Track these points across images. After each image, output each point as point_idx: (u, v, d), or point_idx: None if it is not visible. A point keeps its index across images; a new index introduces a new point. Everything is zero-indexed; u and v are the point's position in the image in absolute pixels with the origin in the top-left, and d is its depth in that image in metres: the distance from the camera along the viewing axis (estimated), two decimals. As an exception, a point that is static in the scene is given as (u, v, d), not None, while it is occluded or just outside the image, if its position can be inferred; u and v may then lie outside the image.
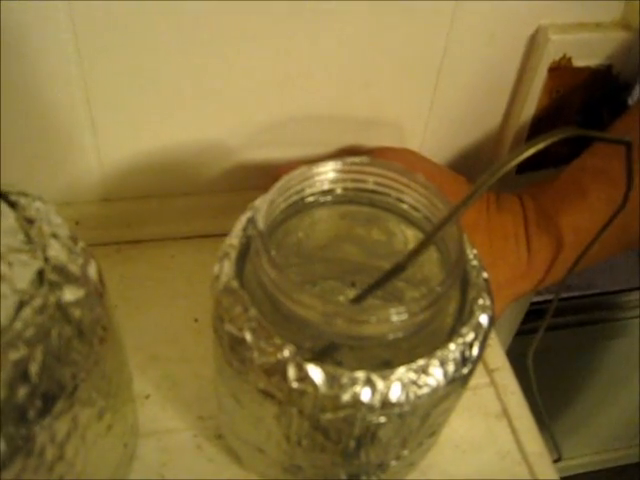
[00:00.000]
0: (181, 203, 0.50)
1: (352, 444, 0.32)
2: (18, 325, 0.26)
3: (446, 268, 0.32)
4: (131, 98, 0.44)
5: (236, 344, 0.31)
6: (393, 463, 0.34)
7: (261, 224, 0.30)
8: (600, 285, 0.95)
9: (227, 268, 0.32)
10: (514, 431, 0.43)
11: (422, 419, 0.32)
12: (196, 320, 0.47)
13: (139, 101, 0.45)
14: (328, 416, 0.30)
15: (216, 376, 0.36)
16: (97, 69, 0.42)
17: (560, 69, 0.47)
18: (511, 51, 0.47)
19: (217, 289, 0.32)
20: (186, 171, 0.48)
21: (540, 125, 0.50)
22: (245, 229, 0.33)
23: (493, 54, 0.46)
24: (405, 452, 0.34)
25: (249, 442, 0.36)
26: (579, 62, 0.47)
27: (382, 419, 0.30)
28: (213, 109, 0.46)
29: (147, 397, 0.42)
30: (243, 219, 0.34)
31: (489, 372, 0.46)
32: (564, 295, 0.94)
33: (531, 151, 0.30)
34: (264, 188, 0.32)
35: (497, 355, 0.47)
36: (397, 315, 0.28)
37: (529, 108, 0.49)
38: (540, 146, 0.30)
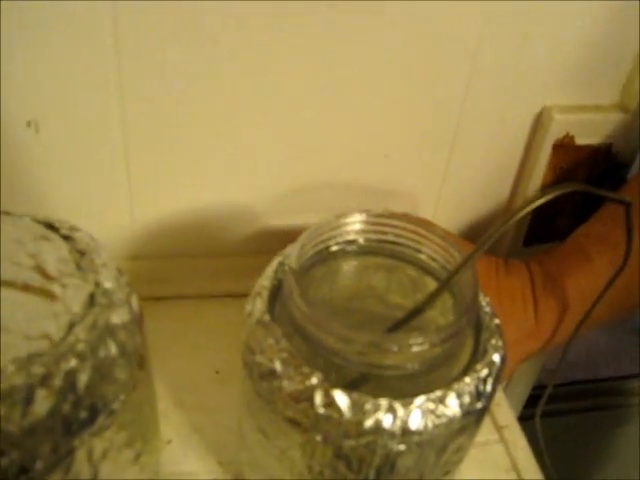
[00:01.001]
0: (206, 263, 0.53)
1: (372, 475, 0.34)
2: (71, 339, 0.29)
3: (461, 307, 0.35)
4: (166, 163, 0.48)
5: (266, 374, 0.33)
6: (410, 499, 0.36)
7: (294, 263, 0.34)
8: (603, 372, 0.97)
9: (259, 305, 0.35)
10: (524, 485, 0.45)
11: (438, 453, 0.34)
12: (217, 372, 0.49)
13: (173, 166, 0.49)
14: (351, 442, 0.32)
15: (242, 412, 0.38)
16: (138, 135, 0.46)
17: (563, 146, 0.51)
18: (518, 129, 0.51)
19: (250, 324, 0.35)
20: (212, 233, 0.52)
21: (545, 207, 0.53)
22: (276, 272, 0.37)
23: (502, 131, 0.51)
24: (421, 488, 0.36)
25: (272, 477, 0.37)
26: (581, 140, 0.51)
27: (401, 447, 0.32)
28: (239, 176, 0.50)
29: (169, 442, 0.44)
30: (274, 263, 0.37)
31: (498, 429, 0.48)
32: (568, 380, 0.96)
33: (541, 201, 0.33)
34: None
35: (506, 413, 0.49)
36: (418, 345, 0.31)
37: (535, 182, 0.53)
38: (549, 197, 0.34)
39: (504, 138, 0.52)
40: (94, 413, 0.30)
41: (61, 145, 0.46)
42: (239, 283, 0.53)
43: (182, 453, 0.44)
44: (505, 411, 0.49)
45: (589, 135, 0.51)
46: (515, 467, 0.46)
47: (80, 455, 0.31)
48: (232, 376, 0.49)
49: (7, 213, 0.35)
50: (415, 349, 0.32)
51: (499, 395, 0.50)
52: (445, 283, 0.34)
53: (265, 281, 0.36)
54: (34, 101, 0.44)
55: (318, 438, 0.33)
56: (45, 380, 0.28)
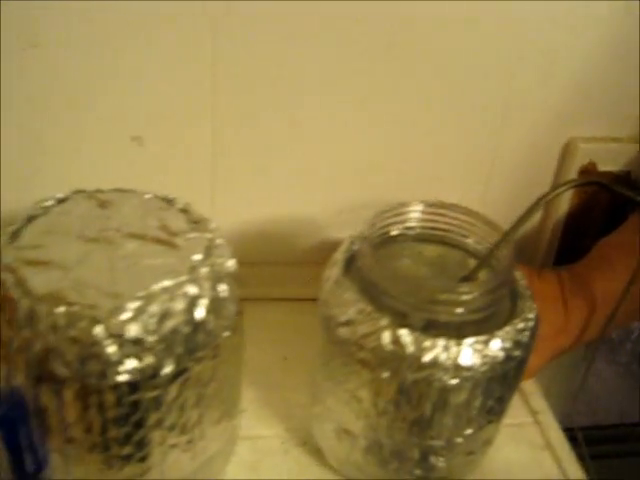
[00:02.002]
0: (277, 270, 0.62)
1: (428, 409, 0.41)
2: (194, 275, 0.38)
3: (500, 272, 0.43)
4: (247, 178, 0.58)
5: (342, 323, 0.42)
6: (459, 440, 0.43)
7: (367, 232, 0.42)
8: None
9: (336, 270, 0.44)
10: (557, 460, 0.52)
11: (484, 394, 0.42)
12: (285, 358, 0.57)
13: (251, 182, 0.58)
14: (412, 376, 0.40)
15: (317, 367, 0.46)
16: (225, 154, 0.56)
17: (587, 172, 0.60)
18: (548, 157, 0.60)
19: (328, 286, 0.43)
20: (282, 241, 0.61)
21: (573, 222, 0.62)
22: (348, 247, 0.45)
23: (534, 159, 0.60)
24: (468, 431, 0.43)
25: (339, 424, 0.45)
26: (603, 167, 0.60)
27: (454, 381, 0.40)
28: (308, 191, 0.59)
29: (244, 411, 0.52)
30: (346, 242, 0.46)
31: (533, 413, 0.55)
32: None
33: (567, 187, 0.42)
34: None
35: (539, 401, 0.56)
36: (467, 294, 0.40)
37: (563, 206, 0.62)
38: (573, 184, 0.42)
39: (536, 164, 0.61)
40: (207, 338, 0.39)
41: (159, 159, 0.55)
42: (305, 289, 0.62)
43: (255, 421, 0.52)
44: (539, 399, 0.56)
45: (610, 163, 0.60)
46: (549, 445, 0.53)
47: (193, 375, 0.39)
48: (297, 362, 0.57)
49: (133, 190, 0.45)
50: (465, 297, 0.40)
51: (533, 385, 0.58)
52: (492, 251, 0.42)
53: (339, 255, 0.45)
54: (138, 119, 0.54)
55: (385, 374, 0.41)
56: (173, 303, 0.37)
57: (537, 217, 0.64)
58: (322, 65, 0.54)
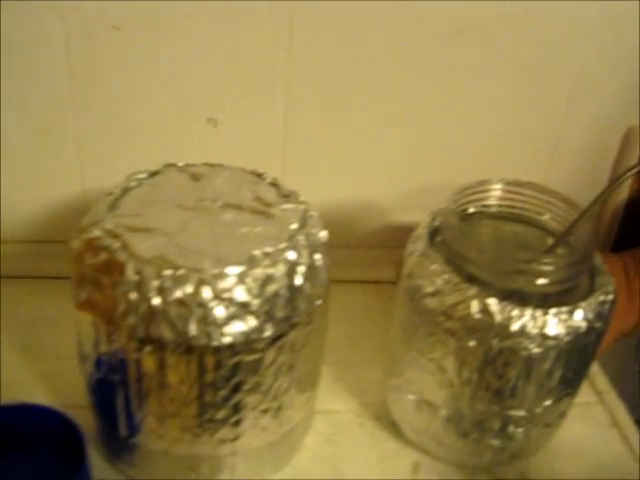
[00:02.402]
0: (339, 253, 0.63)
1: (512, 378, 0.43)
2: (293, 242, 0.40)
3: (580, 249, 0.44)
4: (316, 163, 0.59)
5: (429, 294, 0.43)
6: (538, 411, 0.45)
7: (452, 206, 0.44)
8: None
9: (420, 243, 0.45)
10: (624, 438, 0.53)
11: (565, 365, 0.43)
12: (352, 337, 0.59)
13: (320, 166, 0.60)
14: (499, 345, 0.41)
15: (396, 339, 0.47)
16: (294, 134, 0.58)
17: (648, 161, 0.61)
18: (610, 142, 0.62)
19: (412, 259, 0.45)
20: (348, 225, 0.63)
21: (633, 207, 0.64)
22: (429, 225, 0.47)
23: (596, 144, 0.62)
24: (547, 402, 0.45)
25: (420, 395, 0.46)
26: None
27: (539, 350, 0.41)
28: (372, 174, 0.61)
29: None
30: (427, 219, 0.47)
31: (598, 393, 0.56)
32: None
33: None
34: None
35: (604, 381, 0.57)
36: (550, 265, 0.41)
37: (623, 191, 0.63)
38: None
39: (597, 151, 0.62)
40: (304, 305, 0.40)
41: (231, 140, 0.57)
42: (367, 272, 0.64)
43: (329, 396, 0.53)
44: (603, 380, 0.58)
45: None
46: (616, 424, 0.54)
47: (289, 340, 0.40)
48: (364, 340, 0.59)
49: (221, 164, 0.46)
50: (548, 268, 0.41)
51: (597, 368, 0.59)
52: (572, 227, 0.44)
53: (422, 230, 0.47)
54: (214, 101, 0.56)
55: (472, 343, 0.42)
56: (274, 268, 0.39)
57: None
58: (393, 50, 0.55)
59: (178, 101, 0.56)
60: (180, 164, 0.46)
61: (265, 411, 0.42)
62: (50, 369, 0.54)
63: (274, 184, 0.45)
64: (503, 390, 0.43)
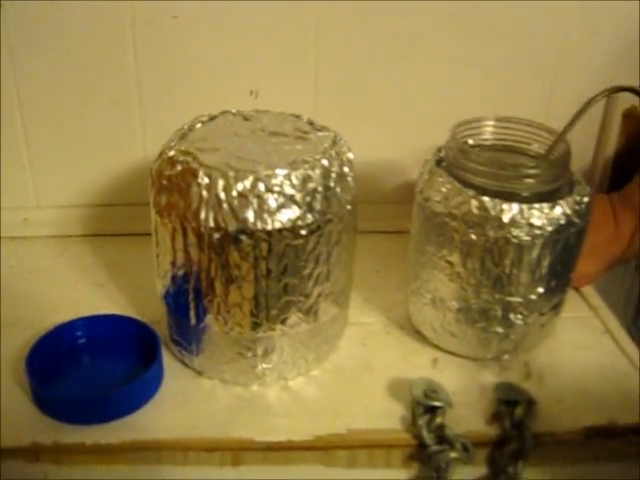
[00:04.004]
0: (367, 208, 0.77)
1: (507, 265, 0.55)
2: (326, 155, 0.53)
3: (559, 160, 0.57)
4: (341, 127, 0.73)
5: (438, 200, 0.56)
6: (533, 297, 0.57)
7: (453, 137, 0.57)
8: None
9: (428, 166, 0.58)
10: (616, 341, 0.64)
11: (551, 254, 0.55)
12: (378, 271, 0.72)
13: (347, 129, 0.74)
14: (494, 234, 0.54)
15: (415, 247, 0.60)
16: (327, 100, 0.72)
17: (630, 115, 0.74)
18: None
19: (423, 177, 0.58)
20: (369, 182, 0.76)
21: (621, 162, 0.76)
22: (435, 154, 0.60)
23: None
24: (540, 289, 0.57)
25: (433, 294, 0.59)
26: (643, 111, 0.74)
27: (527, 238, 0.54)
28: (394, 136, 0.74)
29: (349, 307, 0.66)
30: (434, 150, 0.61)
31: (593, 309, 0.68)
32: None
33: (606, 93, 0.56)
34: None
35: (598, 300, 0.69)
36: (535, 169, 0.54)
37: (611, 146, 0.76)
38: (611, 92, 0.56)
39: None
40: (336, 204, 0.53)
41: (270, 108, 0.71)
42: (389, 223, 0.77)
43: (360, 312, 0.66)
44: (597, 298, 0.69)
45: (648, 108, 0.75)
46: (609, 331, 0.66)
47: (325, 233, 0.53)
48: (389, 274, 0.71)
49: (268, 110, 0.60)
50: (533, 171, 0.54)
51: (592, 289, 0.71)
52: (553, 145, 0.57)
53: (430, 157, 0.60)
54: (254, 76, 0.71)
55: (472, 236, 0.55)
56: (312, 171, 0.52)
57: (589, 155, 0.79)
58: (414, 23, 0.70)
59: (225, 77, 0.70)
60: (234, 110, 0.60)
61: (307, 296, 0.55)
62: (121, 300, 0.67)
63: (310, 122, 0.59)
64: (501, 277, 0.56)
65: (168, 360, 0.59)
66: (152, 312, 0.61)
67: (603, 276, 0.71)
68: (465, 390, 0.58)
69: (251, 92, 0.71)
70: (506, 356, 0.61)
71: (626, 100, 0.74)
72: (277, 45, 0.70)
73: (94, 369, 0.59)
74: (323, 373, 0.59)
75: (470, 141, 0.61)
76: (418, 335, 0.63)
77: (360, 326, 0.64)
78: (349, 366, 0.60)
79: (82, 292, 0.68)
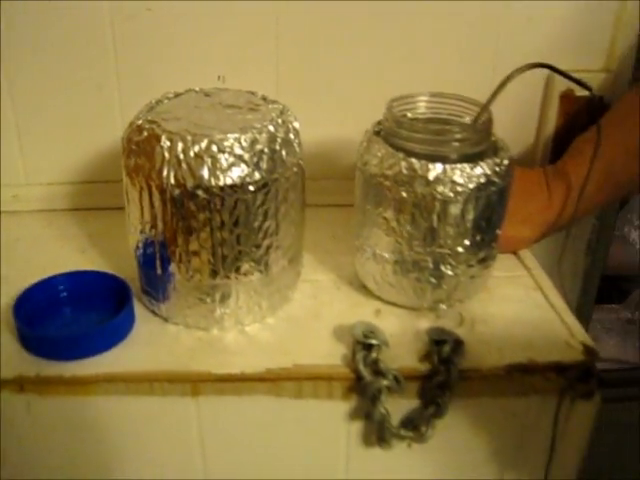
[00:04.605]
0: (323, 183, 0.86)
1: (435, 219, 0.64)
2: (273, 122, 0.63)
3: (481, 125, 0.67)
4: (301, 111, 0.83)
5: (375, 164, 0.66)
6: (460, 250, 0.66)
7: (390, 106, 0.67)
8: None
9: (367, 135, 0.68)
10: (546, 296, 0.73)
11: (474, 210, 0.64)
12: (334, 236, 0.81)
13: (306, 112, 0.84)
14: (422, 190, 0.63)
15: (358, 208, 0.69)
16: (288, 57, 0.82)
17: (567, 97, 0.84)
18: (535, 85, 0.85)
19: (363, 145, 0.68)
20: (326, 159, 0.86)
21: (560, 139, 0.86)
22: (374, 127, 0.69)
23: (525, 87, 0.84)
24: (466, 242, 0.66)
25: (373, 249, 0.68)
26: (579, 93, 0.84)
27: (451, 194, 0.63)
28: (347, 114, 0.84)
29: (303, 267, 0.75)
30: (373, 123, 0.70)
31: (527, 269, 0.77)
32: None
33: (522, 70, 0.65)
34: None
35: (533, 261, 0.78)
36: (460, 133, 0.64)
37: (550, 125, 0.85)
38: (525, 70, 0.66)
39: (527, 92, 0.85)
40: (281, 165, 0.63)
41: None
42: (344, 197, 0.86)
43: (313, 271, 0.75)
44: (532, 260, 0.79)
45: (583, 89, 0.84)
46: (540, 288, 0.75)
47: (272, 190, 0.63)
48: (341, 239, 0.81)
49: (227, 88, 0.70)
50: (458, 135, 0.64)
51: (529, 253, 0.80)
52: (477, 115, 0.66)
53: (370, 128, 0.70)
54: (221, 62, 0.81)
55: (404, 194, 0.64)
56: (259, 135, 0.62)
57: (532, 134, 0.88)
58: (366, 7, 0.80)
59: (195, 64, 0.81)
60: (197, 89, 0.70)
61: (258, 246, 0.64)
62: (100, 262, 0.77)
63: (263, 97, 0.69)
64: (430, 231, 0.65)
65: (140, 310, 0.69)
66: (127, 271, 0.70)
67: (539, 244, 0.81)
68: (402, 334, 0.67)
69: (219, 77, 0.81)
70: (442, 306, 0.70)
71: (562, 83, 0.83)
72: (242, 34, 0.80)
73: (74, 317, 0.68)
74: (277, 321, 0.69)
75: (409, 114, 0.71)
76: (364, 290, 0.72)
77: (312, 283, 0.74)
78: (300, 315, 0.70)
79: (66, 256, 0.77)
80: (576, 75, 0.76)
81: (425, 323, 0.69)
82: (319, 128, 0.84)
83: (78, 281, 0.70)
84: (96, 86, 0.82)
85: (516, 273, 0.77)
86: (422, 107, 0.71)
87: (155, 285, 0.66)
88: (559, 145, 0.86)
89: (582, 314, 1.03)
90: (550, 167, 0.80)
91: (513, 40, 0.83)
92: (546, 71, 0.81)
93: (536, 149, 0.88)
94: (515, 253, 0.80)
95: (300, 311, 0.70)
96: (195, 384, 0.62)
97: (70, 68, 0.81)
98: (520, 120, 0.87)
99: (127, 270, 0.70)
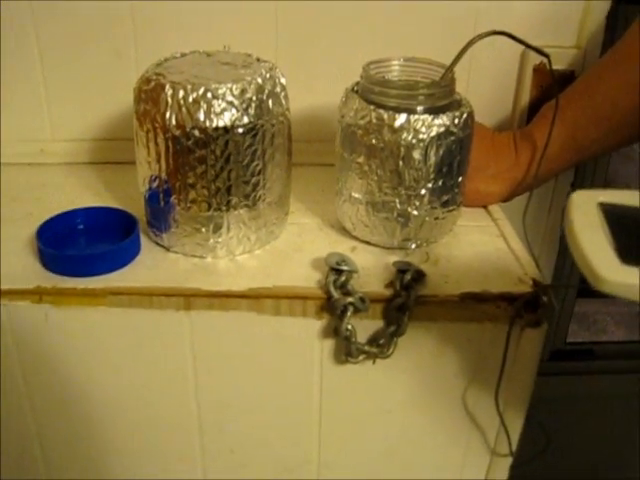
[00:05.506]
0: (317, 145, 1.00)
1: (400, 163, 0.78)
2: (261, 76, 0.77)
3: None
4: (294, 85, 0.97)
5: (353, 118, 0.79)
6: (423, 192, 0.79)
7: (366, 68, 0.81)
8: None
9: (346, 92, 0.82)
10: (507, 241, 0.86)
11: (435, 156, 0.78)
12: (321, 190, 0.95)
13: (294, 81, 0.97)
14: (389, 137, 0.77)
15: (337, 157, 0.83)
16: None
17: (540, 70, 0.97)
18: (511, 59, 0.97)
19: (342, 100, 0.81)
20: (321, 122, 0.99)
21: (534, 110, 0.98)
22: (352, 86, 0.83)
23: (501, 61, 0.97)
24: (429, 185, 0.79)
25: (350, 192, 0.82)
26: (555, 67, 0.97)
27: (414, 141, 0.77)
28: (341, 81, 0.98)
29: (292, 213, 0.89)
30: (352, 83, 0.84)
31: (494, 220, 0.90)
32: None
33: (482, 36, 0.79)
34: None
35: (500, 213, 0.91)
36: (425, 89, 0.77)
37: (525, 96, 0.98)
38: (483, 36, 0.79)
39: (503, 65, 0.98)
40: (268, 113, 0.77)
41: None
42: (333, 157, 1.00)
43: (299, 216, 0.89)
44: (500, 212, 0.91)
45: (556, 64, 0.97)
46: (503, 236, 0.88)
47: (259, 134, 0.76)
48: (328, 192, 0.94)
49: (227, 50, 0.85)
50: (423, 90, 0.77)
51: (497, 208, 0.93)
52: (443, 76, 0.80)
53: (349, 87, 0.83)
54: (227, 33, 0.95)
55: (373, 140, 0.78)
56: (249, 86, 0.76)
57: (508, 108, 1.01)
58: None
59: (202, 35, 0.95)
60: (201, 50, 0.85)
61: (246, 183, 0.78)
62: (114, 203, 0.91)
63: (257, 58, 0.83)
64: (397, 174, 0.78)
65: (145, 243, 0.83)
66: (136, 211, 0.84)
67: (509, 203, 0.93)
68: (373, 267, 0.80)
69: (224, 46, 0.95)
70: (412, 245, 0.83)
71: (536, 57, 0.96)
72: (244, 8, 0.94)
73: (88, 245, 0.83)
74: (263, 252, 0.82)
75: (386, 77, 0.84)
76: (344, 231, 0.86)
77: (299, 225, 0.87)
78: (285, 249, 0.83)
79: (84, 198, 0.92)
80: (549, 51, 0.89)
81: (394, 258, 0.81)
82: (314, 95, 0.98)
83: (93, 215, 0.84)
84: (115, 53, 0.96)
85: (483, 223, 0.89)
86: (396, 70, 0.84)
87: (159, 217, 0.80)
88: (534, 114, 0.98)
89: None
90: (519, 131, 0.93)
91: (491, 18, 0.95)
92: (521, 47, 0.94)
93: (513, 117, 1.00)
94: (485, 207, 0.92)
95: (285, 246, 0.83)
96: (188, 299, 0.76)
97: (93, 37, 0.95)
98: (498, 91, 1.00)
99: (136, 211, 0.84)
